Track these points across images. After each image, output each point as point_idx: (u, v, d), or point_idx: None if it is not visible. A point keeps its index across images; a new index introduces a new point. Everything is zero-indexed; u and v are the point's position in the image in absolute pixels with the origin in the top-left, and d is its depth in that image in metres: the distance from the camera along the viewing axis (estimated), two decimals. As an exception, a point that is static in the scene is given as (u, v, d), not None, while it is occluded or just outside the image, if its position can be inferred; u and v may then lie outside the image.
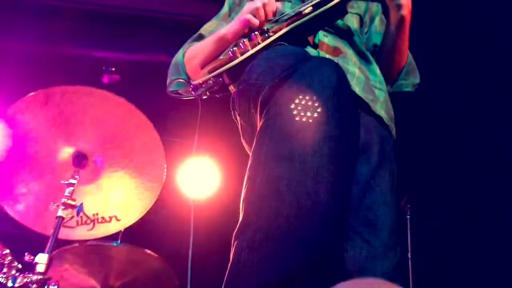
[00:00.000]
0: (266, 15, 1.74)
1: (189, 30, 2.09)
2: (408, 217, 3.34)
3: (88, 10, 3.68)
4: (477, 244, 3.34)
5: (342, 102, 1.29)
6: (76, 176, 2.35)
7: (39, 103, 2.32)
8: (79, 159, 2.42)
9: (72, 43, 3.74)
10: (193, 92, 1.68)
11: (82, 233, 2.46)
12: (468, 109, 3.48)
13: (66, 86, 2.33)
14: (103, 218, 2.49)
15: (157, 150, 2.47)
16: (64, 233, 2.32)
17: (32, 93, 2.29)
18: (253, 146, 1.33)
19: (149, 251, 2.72)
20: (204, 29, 2.02)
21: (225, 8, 2.05)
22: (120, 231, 2.93)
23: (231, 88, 1.69)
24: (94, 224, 2.47)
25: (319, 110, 1.23)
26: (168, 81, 1.92)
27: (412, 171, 3.29)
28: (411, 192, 3.32)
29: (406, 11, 1.80)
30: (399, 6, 1.79)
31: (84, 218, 2.44)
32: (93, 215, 2.46)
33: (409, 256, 3.18)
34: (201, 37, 1.98)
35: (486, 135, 3.45)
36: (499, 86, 3.40)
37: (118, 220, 2.53)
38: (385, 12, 1.93)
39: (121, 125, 2.42)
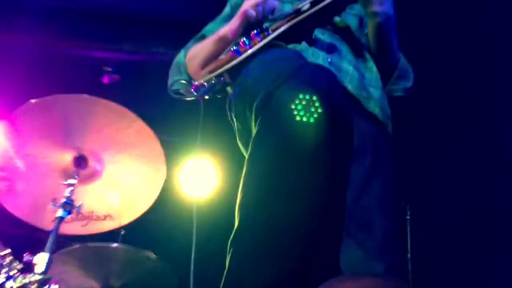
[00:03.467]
0: (263, 10, 1.74)
1: (189, 30, 2.09)
2: (408, 217, 3.33)
3: (88, 10, 3.68)
4: (477, 244, 3.33)
5: (336, 109, 1.30)
6: (76, 177, 2.36)
7: (42, 109, 2.33)
8: (79, 160, 2.43)
9: (72, 43, 3.74)
10: (194, 93, 1.68)
11: (75, 228, 2.46)
12: (469, 108, 3.48)
13: (69, 95, 2.34)
14: (97, 216, 2.49)
15: (158, 156, 2.48)
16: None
17: (35, 100, 2.30)
18: (248, 152, 1.33)
19: (148, 252, 2.72)
20: (206, 30, 2.02)
21: (227, 9, 2.06)
22: (121, 232, 2.94)
23: (229, 89, 1.70)
24: (88, 221, 2.47)
25: (313, 117, 1.24)
26: (169, 81, 1.92)
27: (412, 171, 3.29)
28: (411, 192, 3.32)
29: (383, 18, 1.74)
30: (374, 14, 1.75)
31: (79, 215, 2.45)
32: (88, 212, 2.46)
33: (409, 256, 3.17)
34: (203, 38, 1.98)
35: (487, 134, 3.45)
36: (501, 85, 3.40)
37: (112, 219, 2.54)
38: None
39: (122, 133, 2.43)
